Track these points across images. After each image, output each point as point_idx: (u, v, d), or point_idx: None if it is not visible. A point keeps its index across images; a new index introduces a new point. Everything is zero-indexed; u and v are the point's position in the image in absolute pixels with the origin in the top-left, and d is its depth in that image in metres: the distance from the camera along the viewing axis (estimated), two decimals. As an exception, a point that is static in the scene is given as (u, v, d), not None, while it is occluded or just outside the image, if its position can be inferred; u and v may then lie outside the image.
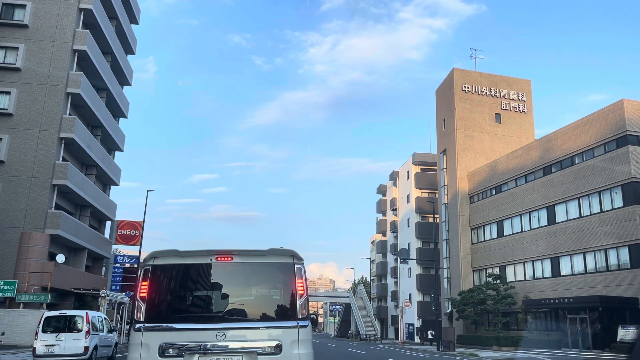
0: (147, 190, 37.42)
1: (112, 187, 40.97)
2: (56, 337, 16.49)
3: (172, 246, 6.63)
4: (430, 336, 42.89)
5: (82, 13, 32.46)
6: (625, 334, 26.72)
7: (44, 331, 16.58)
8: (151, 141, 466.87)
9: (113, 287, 38.33)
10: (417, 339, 51.81)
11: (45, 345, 16.30)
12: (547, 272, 36.26)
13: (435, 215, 49.93)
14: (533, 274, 37.79)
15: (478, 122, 48.29)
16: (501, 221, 41.86)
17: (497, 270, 41.16)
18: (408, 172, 63.99)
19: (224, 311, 6.05)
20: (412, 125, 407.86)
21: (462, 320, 42.50)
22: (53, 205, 29.41)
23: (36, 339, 16.46)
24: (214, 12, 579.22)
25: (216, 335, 5.72)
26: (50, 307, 28.14)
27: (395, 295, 66.89)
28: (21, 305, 26.14)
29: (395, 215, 70.02)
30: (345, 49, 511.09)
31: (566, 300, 31.73)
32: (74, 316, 17.29)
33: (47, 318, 17.06)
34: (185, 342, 5.69)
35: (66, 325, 16.91)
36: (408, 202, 62.95)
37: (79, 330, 16.71)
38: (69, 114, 31.07)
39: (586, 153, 33.96)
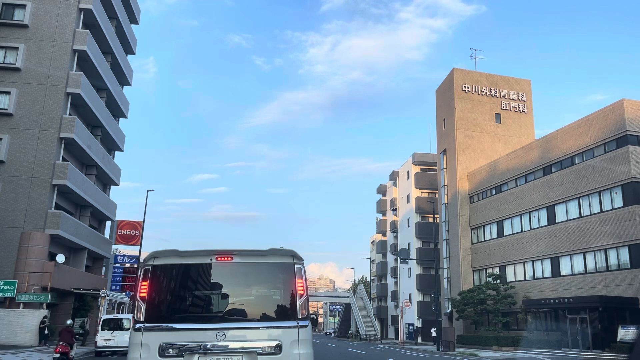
0: (147, 190, 37.49)
1: (112, 187, 40.95)
2: (111, 333, 22.07)
3: (172, 246, 6.61)
4: (433, 334, 42.78)
5: (82, 13, 32.45)
6: (625, 334, 26.71)
7: (102, 329, 22.19)
8: (151, 141, 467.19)
9: (113, 287, 38.36)
10: (419, 339, 51.82)
11: (104, 340, 21.91)
12: (547, 272, 36.26)
13: (435, 215, 49.93)
14: (533, 274, 37.78)
15: (478, 122, 48.28)
16: (501, 221, 41.85)
17: (497, 270, 41.14)
18: (408, 172, 63.99)
19: (224, 311, 6.05)
20: (412, 125, 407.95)
21: (462, 320, 42.49)
22: (53, 205, 29.40)
23: (97, 335, 22.24)
24: (214, 13, 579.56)
25: (216, 335, 5.71)
26: (50, 307, 28.15)
27: (395, 295, 66.88)
28: (21, 305, 26.12)
29: (395, 215, 70.01)
30: (345, 49, 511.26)
31: (566, 300, 31.71)
32: (122, 318, 23.13)
33: (104, 320, 22.79)
34: (185, 342, 5.68)
35: (117, 325, 22.49)
36: (408, 202, 62.94)
37: (127, 329, 21.46)
38: (69, 114, 31.06)
39: (586, 153, 33.95)
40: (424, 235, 58.22)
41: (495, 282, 39.38)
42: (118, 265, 40.76)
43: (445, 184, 49.41)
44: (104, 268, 40.95)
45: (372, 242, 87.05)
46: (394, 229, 69.85)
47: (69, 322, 16.69)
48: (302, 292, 6.09)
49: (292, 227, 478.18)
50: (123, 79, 41.12)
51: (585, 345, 30.29)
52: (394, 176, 71.38)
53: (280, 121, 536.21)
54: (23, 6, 31.19)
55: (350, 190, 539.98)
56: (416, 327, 55.30)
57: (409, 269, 59.73)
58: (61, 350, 16.06)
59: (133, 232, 39.96)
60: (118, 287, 38.58)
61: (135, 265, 39.27)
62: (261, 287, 6.41)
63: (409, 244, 59.53)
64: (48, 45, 30.95)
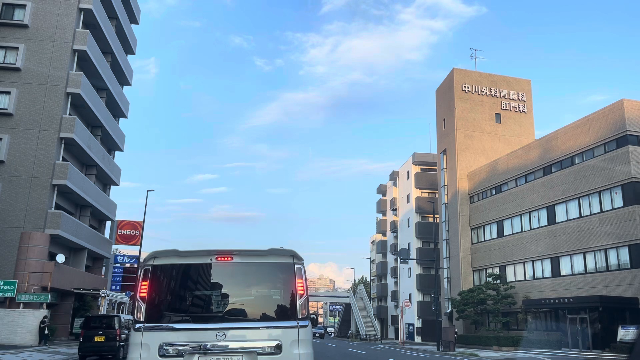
0: (147, 190, 37.46)
1: (112, 187, 40.96)
2: None
3: (172, 246, 6.61)
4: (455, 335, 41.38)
5: (82, 13, 32.45)
6: (625, 334, 26.71)
7: None
8: (151, 141, 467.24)
9: (113, 287, 38.33)
10: (418, 339, 51.77)
11: None
12: (547, 272, 36.24)
13: (435, 215, 49.90)
14: (533, 274, 37.77)
15: (478, 122, 48.27)
16: (501, 221, 41.83)
17: (497, 270, 41.12)
18: (408, 172, 63.97)
19: (224, 311, 6.04)
20: (412, 125, 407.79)
21: (462, 320, 42.47)
22: (53, 205, 29.40)
23: None
24: (216, 14, 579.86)
25: (216, 335, 5.71)
26: (50, 307, 28.14)
27: (395, 295, 66.86)
28: (21, 305, 26.12)
29: (395, 215, 69.99)
30: (346, 50, 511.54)
31: (566, 300, 31.70)
32: None
33: None
34: (185, 342, 5.68)
35: None
36: (408, 202, 62.92)
37: None
38: (69, 114, 31.06)
39: (586, 153, 33.93)
40: (424, 235, 58.21)
41: (495, 282, 39.35)
42: (118, 265, 40.73)
43: (445, 184, 49.40)
44: (104, 268, 40.94)
45: (372, 242, 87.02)
46: (394, 229, 69.83)
47: None
48: (302, 292, 6.09)
49: (292, 227, 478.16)
50: (123, 79, 41.12)
51: (585, 345, 30.28)
52: (394, 176, 71.36)
53: (280, 121, 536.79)
54: (23, 6, 31.19)
55: (350, 190, 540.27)
56: (417, 327, 55.27)
57: (409, 269, 59.70)
58: None
59: (133, 232, 39.94)
60: (118, 287, 38.54)
61: (135, 265, 39.26)
62: (261, 287, 6.41)
63: (409, 244, 59.51)
64: (48, 45, 30.95)
